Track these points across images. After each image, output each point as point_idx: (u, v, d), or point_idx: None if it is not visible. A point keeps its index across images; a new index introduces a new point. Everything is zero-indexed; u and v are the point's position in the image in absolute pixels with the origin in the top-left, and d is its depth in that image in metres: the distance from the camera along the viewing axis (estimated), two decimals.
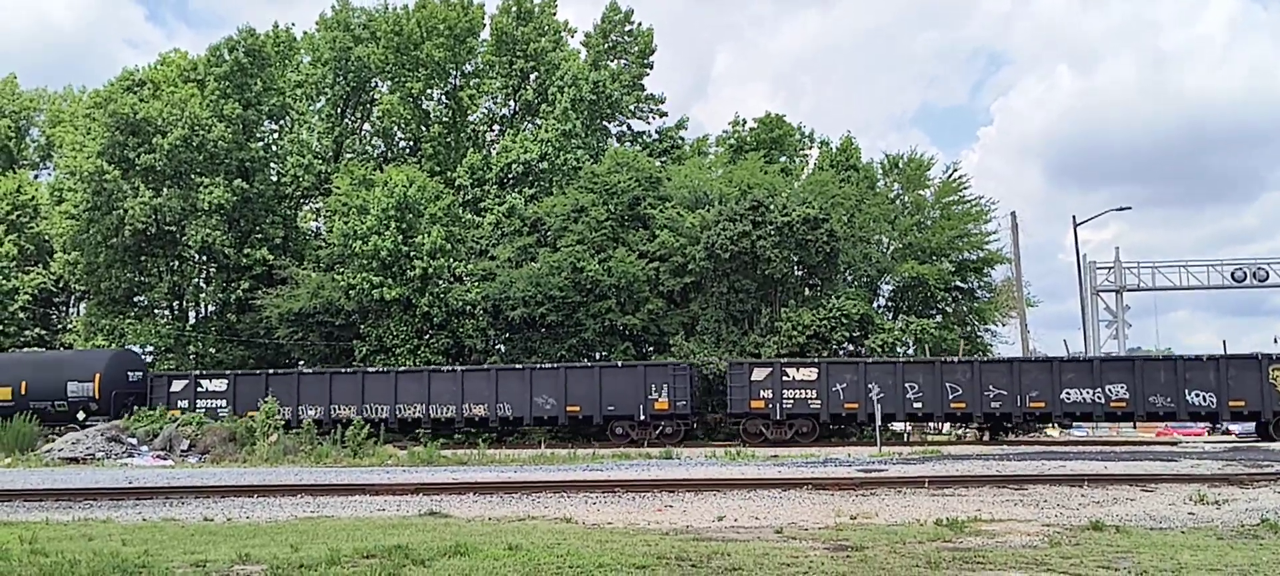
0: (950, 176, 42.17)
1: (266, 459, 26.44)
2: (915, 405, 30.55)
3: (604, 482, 17.58)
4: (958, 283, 40.43)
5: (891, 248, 40.10)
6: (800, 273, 37.49)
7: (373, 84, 46.95)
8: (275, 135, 46.22)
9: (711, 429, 34.27)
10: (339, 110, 47.28)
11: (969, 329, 40.20)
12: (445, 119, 46.17)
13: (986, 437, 32.53)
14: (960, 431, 34.47)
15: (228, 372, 34.39)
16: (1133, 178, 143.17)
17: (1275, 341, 47.61)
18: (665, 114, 48.39)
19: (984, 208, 41.13)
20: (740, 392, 31.01)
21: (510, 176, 42.66)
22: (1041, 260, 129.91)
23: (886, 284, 40.30)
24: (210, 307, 45.44)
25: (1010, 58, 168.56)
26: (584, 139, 43.88)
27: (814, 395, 30.76)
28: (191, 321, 45.47)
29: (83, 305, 48.32)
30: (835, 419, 31.25)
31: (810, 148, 48.52)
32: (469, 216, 41.68)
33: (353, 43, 44.69)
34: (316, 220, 47.62)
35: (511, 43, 44.72)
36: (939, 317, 39.50)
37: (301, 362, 39.17)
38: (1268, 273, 41.99)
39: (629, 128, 48.67)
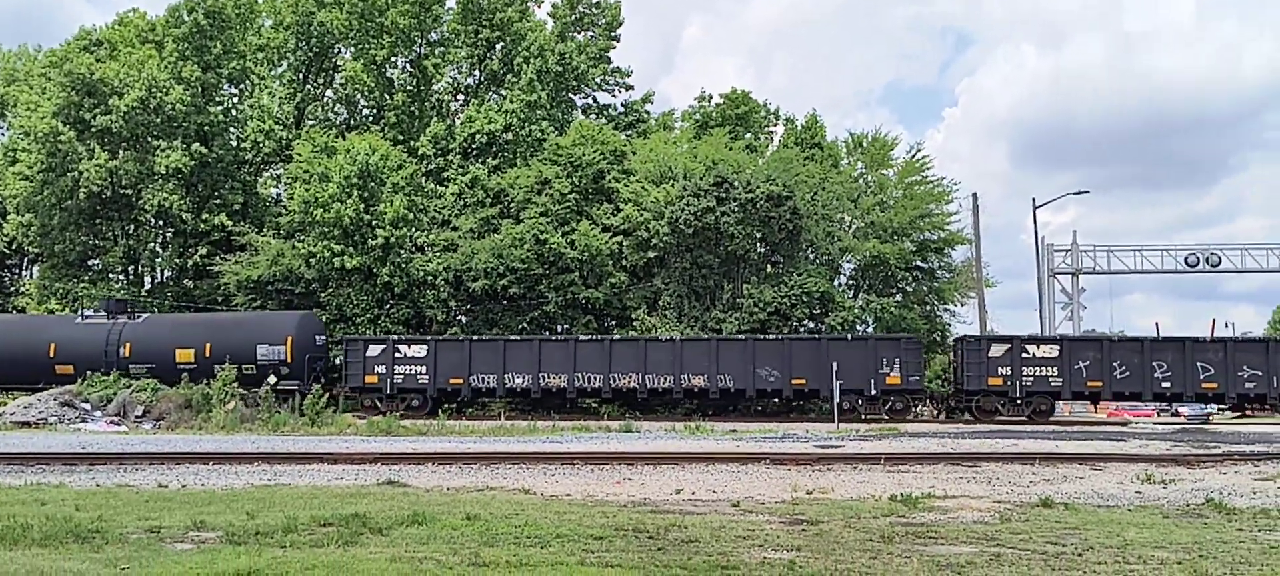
0: (914, 156, 42.51)
1: (223, 426, 26.21)
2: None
3: (563, 455, 17.63)
4: (918, 262, 40.78)
5: (853, 226, 40.35)
6: (763, 249, 37.66)
7: (336, 50, 46.35)
8: (235, 99, 45.50)
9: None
10: (301, 76, 46.65)
11: (928, 308, 40.62)
12: (409, 87, 45.72)
13: (943, 416, 32.94)
14: (919, 409, 34.87)
15: (428, 339, 33.10)
16: (1096, 160, 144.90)
17: (1213, 325, 48.49)
18: (631, 87, 48.31)
19: (946, 188, 41.51)
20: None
21: (474, 147, 42.37)
22: (1003, 241, 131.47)
23: (848, 262, 40.56)
24: (166, 273, 44.82)
25: (978, 36, 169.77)
26: (549, 111, 43.65)
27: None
28: (147, 287, 44.83)
29: (36, 268, 47.48)
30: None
31: (775, 125, 48.66)
32: (432, 186, 41.39)
33: (316, 7, 44.03)
34: (277, 187, 47.05)
35: (477, 12, 44.30)
36: (899, 297, 39.88)
37: (486, 331, 38.11)
38: (1220, 258, 42.74)
39: (594, 100, 48.53)
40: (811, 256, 38.50)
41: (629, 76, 47.73)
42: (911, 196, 40.65)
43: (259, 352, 31.63)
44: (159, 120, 40.28)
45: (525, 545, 9.17)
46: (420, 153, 42.29)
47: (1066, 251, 43.63)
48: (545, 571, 7.96)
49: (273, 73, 46.59)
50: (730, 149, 40.12)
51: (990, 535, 9.86)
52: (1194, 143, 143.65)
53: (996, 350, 30.79)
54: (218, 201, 42.04)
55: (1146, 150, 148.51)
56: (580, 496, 12.99)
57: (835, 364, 29.76)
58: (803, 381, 30.99)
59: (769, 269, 37.36)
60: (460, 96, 47.64)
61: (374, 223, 37.51)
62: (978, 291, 43.49)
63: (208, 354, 31.61)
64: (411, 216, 38.55)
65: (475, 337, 33.77)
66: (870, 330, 36.88)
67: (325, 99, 47.78)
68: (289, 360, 31.59)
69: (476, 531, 9.82)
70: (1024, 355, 30.52)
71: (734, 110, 46.54)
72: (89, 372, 31.48)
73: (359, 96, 46.32)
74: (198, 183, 41.79)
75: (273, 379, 31.10)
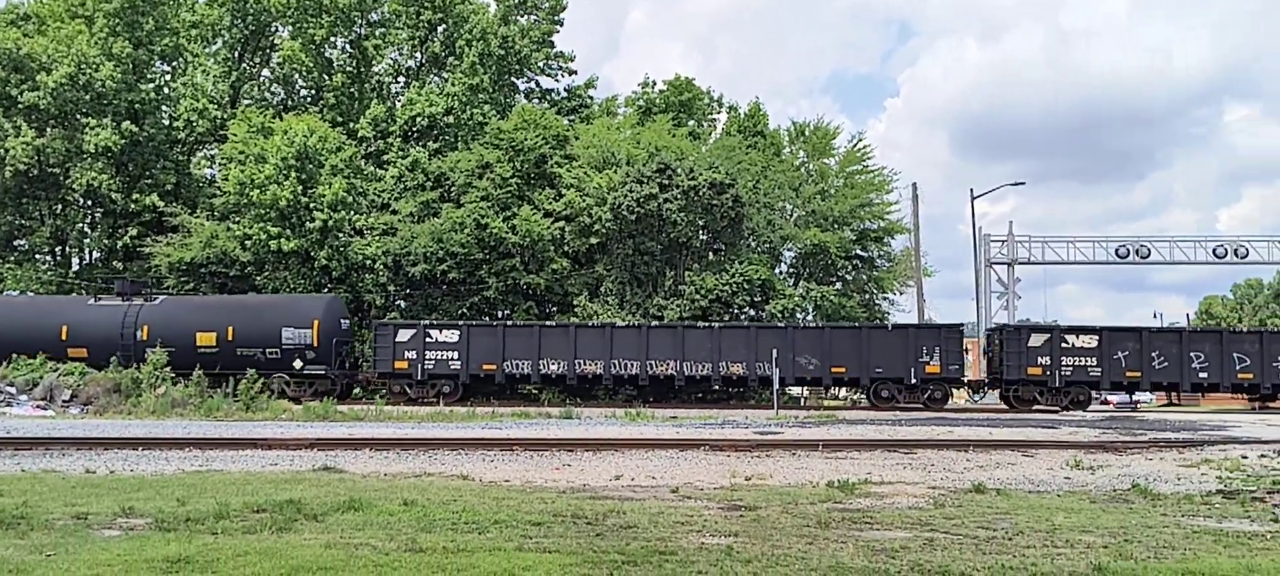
0: (855, 146, 42.95)
1: (153, 411, 25.65)
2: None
3: (502, 440, 17.53)
4: (858, 251, 41.28)
5: (795, 215, 40.68)
6: (705, 237, 37.81)
7: (273, 29, 45.49)
8: (168, 77, 44.46)
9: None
10: (236, 54, 45.74)
11: (868, 296, 41.13)
12: (349, 68, 45.06)
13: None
14: (856, 397, 35.33)
15: (460, 324, 32.30)
16: (1034, 152, 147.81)
17: (1154, 315, 49.84)
18: (574, 72, 48.17)
19: (886, 178, 42.08)
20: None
21: (414, 130, 41.91)
22: (942, 231, 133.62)
23: (789, 250, 40.91)
24: (95, 254, 43.76)
25: (920, 27, 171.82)
26: (491, 95, 43.32)
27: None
28: (75, 268, 43.73)
29: None
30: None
31: (719, 112, 48.85)
32: (371, 169, 40.88)
33: None
34: (211, 167, 46.11)
35: None
36: (839, 285, 40.31)
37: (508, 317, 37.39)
38: (1149, 250, 43.86)
39: (537, 85, 48.29)
40: (753, 244, 38.75)
41: (572, 61, 47.62)
42: (852, 186, 41.09)
43: (284, 336, 30.90)
44: (88, 97, 39.26)
45: (463, 531, 9.10)
46: (360, 135, 41.73)
47: (1003, 242, 44.43)
48: (483, 557, 7.90)
49: (207, 50, 45.59)
50: (673, 136, 40.19)
51: (924, 520, 10.00)
52: (1126, 137, 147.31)
53: (1036, 340, 31.11)
54: (149, 181, 41.12)
55: (1081, 144, 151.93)
56: (519, 482, 12.93)
57: (774, 350, 29.97)
58: (842, 369, 31.13)
59: (711, 256, 37.53)
60: (401, 78, 47.10)
61: (312, 205, 36.94)
62: (916, 280, 44.13)
63: (230, 337, 30.88)
64: (350, 199, 38.03)
65: (509, 322, 33.39)
66: (810, 318, 37.24)
67: (262, 78, 46.91)
68: (315, 344, 30.88)
69: (414, 517, 9.72)
70: (1063, 345, 30.83)
71: (678, 97, 46.60)
72: (109, 356, 30.52)
73: (297, 77, 45.53)
74: (128, 162, 40.81)
75: (298, 363, 30.58)
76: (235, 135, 39.03)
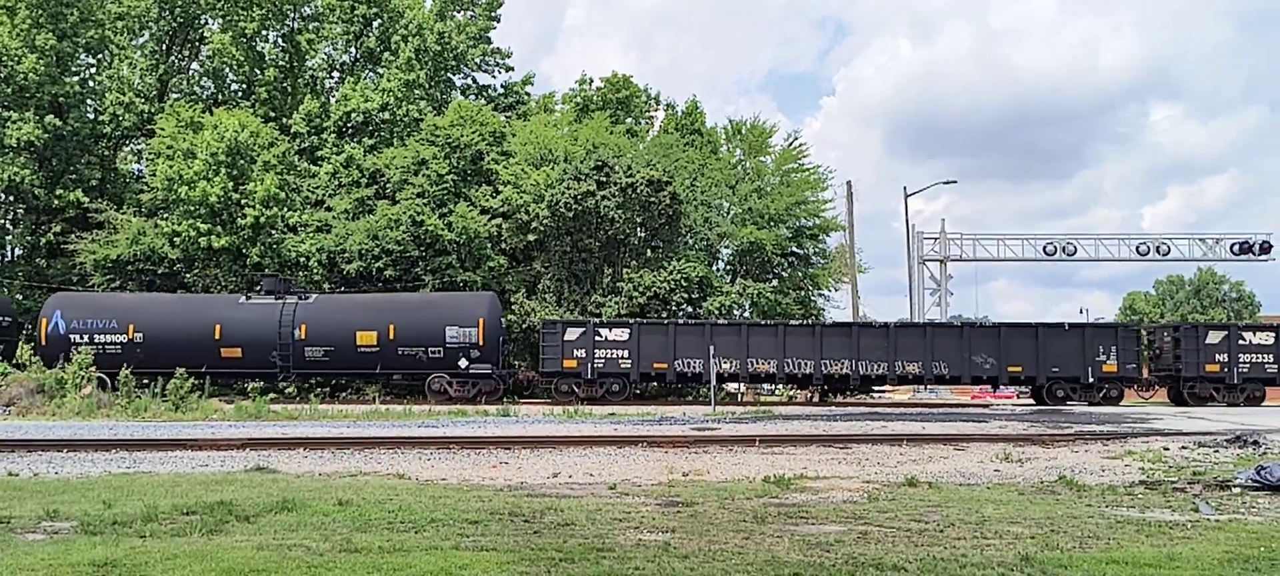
0: (791, 144, 43.31)
1: (78, 412, 25.03)
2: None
3: (439, 439, 17.42)
4: (794, 248, 41.61)
5: (732, 212, 40.93)
6: (643, 234, 37.89)
7: (202, 21, 44.55)
8: (93, 70, 43.31)
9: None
10: (164, 47, 44.70)
11: (803, 293, 41.52)
12: (282, 63, 44.30)
13: (816, 399, 33.76)
14: (792, 392, 35.69)
15: (630, 322, 31.73)
16: (966, 150, 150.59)
17: (1080, 311, 51.10)
18: (511, 68, 47.86)
19: (822, 176, 42.47)
20: None
21: (349, 126, 41.33)
22: (877, 227, 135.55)
23: (726, 248, 41.13)
24: (17, 251, 42.50)
25: (855, 27, 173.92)
26: (427, 90, 42.90)
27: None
28: None
29: None
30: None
31: (656, 110, 48.92)
32: (305, 165, 40.25)
33: None
34: (138, 163, 45.00)
35: None
36: (775, 282, 40.63)
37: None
38: (1076, 247, 44.94)
39: (474, 81, 47.91)
40: (690, 242, 38.92)
41: (509, 57, 47.32)
42: (788, 183, 41.44)
43: (448, 334, 30.33)
44: (9, 90, 38.14)
45: (399, 530, 9.04)
46: (293, 131, 41.06)
47: (935, 239, 45.19)
48: (419, 556, 7.86)
49: (134, 43, 44.48)
50: (611, 133, 40.19)
51: (858, 514, 10.16)
52: (1055, 136, 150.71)
53: (1214, 337, 31.72)
54: (73, 177, 40.05)
55: (1011, 142, 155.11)
56: (456, 480, 12.86)
57: (711, 347, 30.14)
58: (1019, 368, 31.33)
59: (649, 253, 37.62)
60: (335, 74, 46.45)
61: (243, 202, 36.26)
62: (851, 277, 44.72)
63: (392, 336, 30.31)
64: (283, 196, 37.40)
65: (680, 321, 32.95)
66: (746, 314, 37.50)
67: (191, 72, 45.89)
68: (481, 343, 30.31)
69: (348, 517, 9.62)
70: (1240, 343, 31.48)
71: (615, 94, 46.58)
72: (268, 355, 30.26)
73: (227, 71, 44.62)
74: (51, 156, 39.69)
75: (464, 362, 30.06)
76: (163, 130, 38.14)
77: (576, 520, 9.63)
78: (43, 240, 39.80)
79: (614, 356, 31.23)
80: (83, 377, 27.15)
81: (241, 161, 36.65)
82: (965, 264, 46.06)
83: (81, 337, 30.62)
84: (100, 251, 36.68)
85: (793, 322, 33.02)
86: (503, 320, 32.99)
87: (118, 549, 8.13)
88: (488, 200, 37.56)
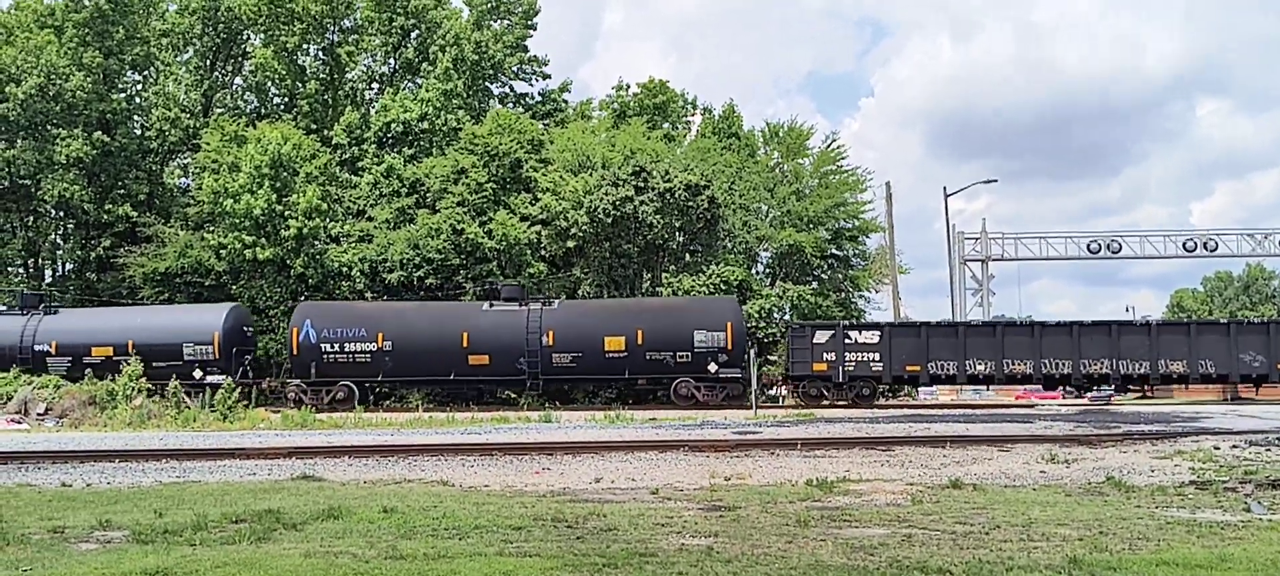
0: (829, 146, 43.09)
1: (129, 423, 25.46)
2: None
3: (482, 445, 17.52)
4: (834, 251, 41.42)
5: (770, 215, 40.80)
6: (681, 238, 37.88)
7: (244, 36, 45.23)
8: (139, 87, 44.12)
9: None
10: (208, 62, 45.44)
11: (844, 295, 41.30)
12: (322, 75, 44.84)
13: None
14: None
15: (881, 325, 31.90)
16: (1006, 149, 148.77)
17: (1126, 310, 50.37)
18: (548, 76, 48.12)
19: (861, 177, 42.23)
20: None
21: (389, 136, 41.75)
22: (917, 228, 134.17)
23: (765, 251, 41.01)
24: (68, 266, 43.35)
25: (893, 27, 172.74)
26: (465, 100, 43.23)
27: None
28: (48, 280, 43.31)
29: None
30: None
31: (693, 114, 48.91)
32: (346, 176, 40.71)
33: None
34: (184, 177, 45.79)
35: None
36: (815, 284, 40.45)
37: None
38: (1120, 245, 44.32)
39: (511, 89, 48.18)
40: (729, 245, 38.85)
41: (546, 65, 47.59)
42: (827, 185, 41.25)
43: (696, 339, 30.50)
44: (58, 108, 38.93)
45: (443, 537, 9.10)
46: (334, 142, 41.55)
47: (976, 239, 44.76)
48: (463, 562, 7.91)
49: (178, 59, 45.28)
50: (648, 138, 40.23)
51: (902, 517, 10.08)
52: (1099, 133, 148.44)
53: None
54: (122, 192, 40.81)
55: (1054, 140, 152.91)
56: (499, 487, 12.93)
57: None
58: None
59: (687, 258, 37.61)
60: (375, 85, 46.95)
61: (287, 213, 36.73)
62: (891, 278, 44.40)
63: (640, 340, 30.47)
64: (325, 207, 37.85)
65: (932, 323, 32.80)
66: (788, 316, 37.34)
67: (234, 87, 46.64)
68: (730, 348, 30.46)
69: (394, 524, 9.71)
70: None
71: (652, 99, 46.64)
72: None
73: (269, 84, 45.29)
74: (100, 172, 40.49)
75: (713, 366, 30.29)
76: (208, 144, 38.78)
77: (619, 525, 9.64)
78: (93, 254, 40.57)
79: (865, 359, 31.04)
80: (133, 389, 27.61)
81: (284, 174, 37.15)
82: (1007, 263, 45.63)
83: (332, 346, 31.03)
84: (149, 265, 37.33)
85: (1050, 322, 32.21)
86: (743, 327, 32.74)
87: (169, 557, 8.27)
88: (527, 208, 37.75)
